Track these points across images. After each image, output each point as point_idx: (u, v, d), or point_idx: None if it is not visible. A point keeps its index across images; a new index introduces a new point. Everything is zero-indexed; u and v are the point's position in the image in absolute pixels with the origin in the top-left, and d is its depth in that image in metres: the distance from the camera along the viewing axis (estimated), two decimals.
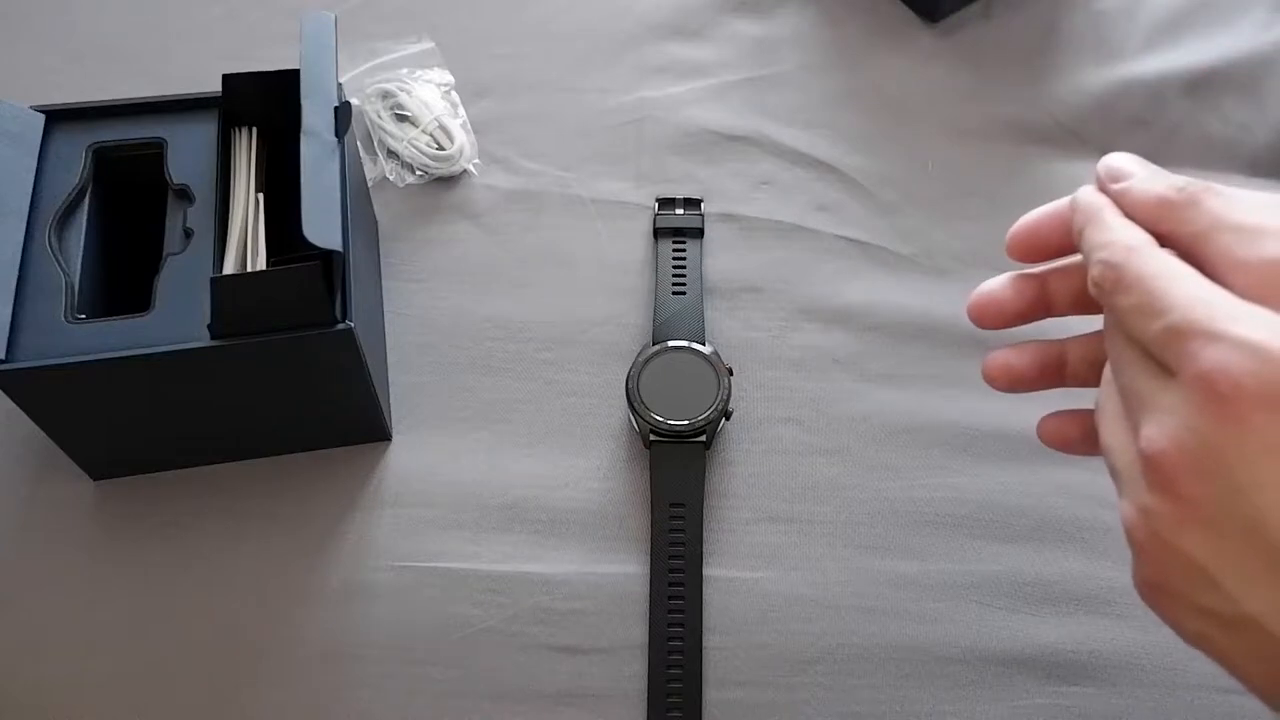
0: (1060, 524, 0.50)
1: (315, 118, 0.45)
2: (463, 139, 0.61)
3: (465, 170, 0.61)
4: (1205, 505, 0.25)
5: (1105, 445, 0.29)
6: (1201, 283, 0.27)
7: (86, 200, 0.47)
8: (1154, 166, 0.31)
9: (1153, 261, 0.28)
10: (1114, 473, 0.28)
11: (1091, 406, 0.31)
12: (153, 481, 0.50)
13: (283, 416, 0.49)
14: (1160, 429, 0.26)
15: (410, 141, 0.60)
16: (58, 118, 0.48)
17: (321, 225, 0.42)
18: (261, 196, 0.47)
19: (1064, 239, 0.32)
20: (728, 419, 0.51)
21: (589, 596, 0.47)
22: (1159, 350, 0.26)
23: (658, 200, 0.59)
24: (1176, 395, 0.26)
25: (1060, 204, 0.33)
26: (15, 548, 0.48)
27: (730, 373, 0.51)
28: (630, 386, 0.51)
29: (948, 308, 0.56)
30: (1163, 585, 0.28)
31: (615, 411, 0.53)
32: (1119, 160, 0.31)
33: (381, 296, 0.56)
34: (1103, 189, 0.31)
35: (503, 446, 0.52)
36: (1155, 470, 0.26)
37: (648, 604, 0.47)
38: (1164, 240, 0.29)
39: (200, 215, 0.46)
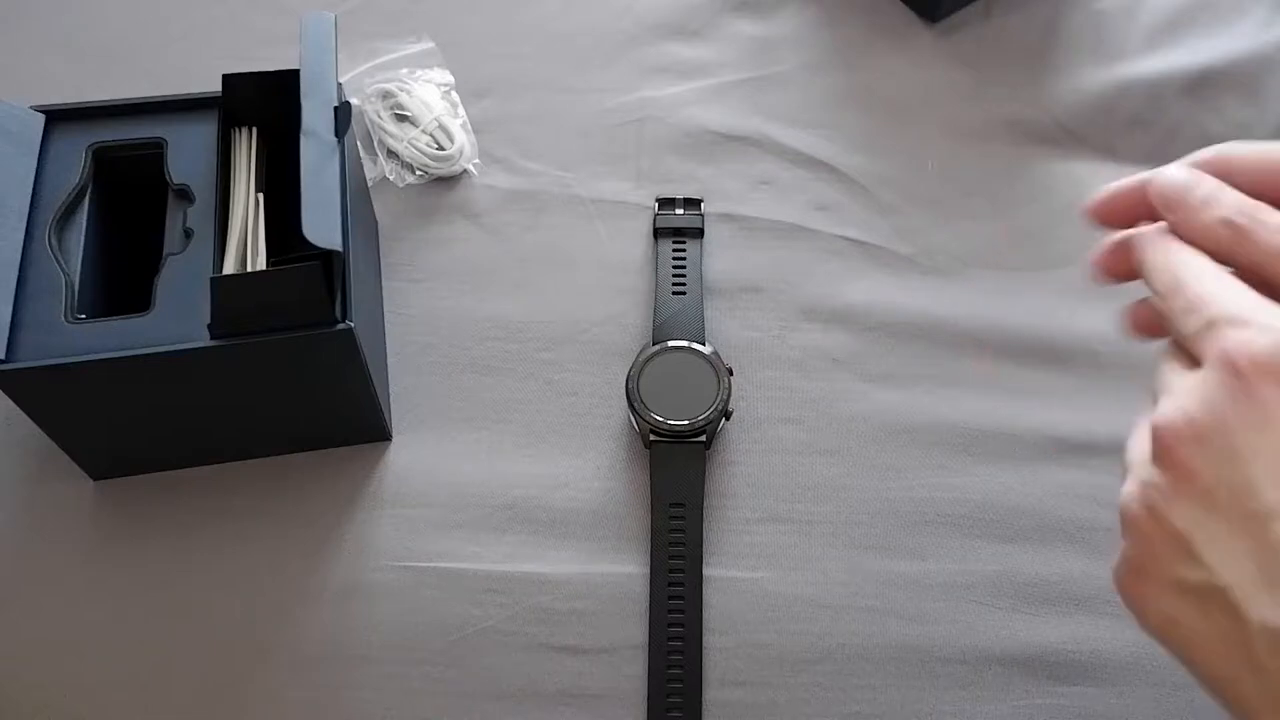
0: (1060, 524, 0.50)
1: (315, 118, 0.45)
2: (463, 139, 0.61)
3: (465, 170, 0.61)
4: (1202, 474, 0.26)
5: (1128, 445, 0.30)
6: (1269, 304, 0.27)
7: (86, 200, 0.47)
8: (1203, 179, 0.30)
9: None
10: (1129, 467, 0.29)
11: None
12: (153, 481, 0.50)
13: (283, 416, 0.49)
14: (1173, 403, 0.27)
15: (410, 141, 0.60)
16: (58, 118, 0.48)
17: (321, 225, 0.42)
18: (261, 196, 0.47)
19: (1143, 212, 0.31)
20: (728, 419, 0.51)
21: (589, 596, 0.47)
22: (1194, 345, 0.28)
23: (658, 200, 0.59)
24: (1196, 376, 0.27)
25: (1137, 180, 0.32)
26: (15, 548, 0.48)
27: (730, 373, 0.51)
28: (630, 386, 0.51)
29: (948, 308, 0.56)
30: (1142, 563, 0.28)
31: (615, 411, 0.53)
32: (1168, 186, 0.30)
33: (381, 296, 0.56)
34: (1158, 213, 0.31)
35: (503, 446, 0.52)
36: (1159, 440, 0.27)
37: (648, 604, 0.47)
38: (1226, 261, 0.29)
39: (200, 215, 0.46)
